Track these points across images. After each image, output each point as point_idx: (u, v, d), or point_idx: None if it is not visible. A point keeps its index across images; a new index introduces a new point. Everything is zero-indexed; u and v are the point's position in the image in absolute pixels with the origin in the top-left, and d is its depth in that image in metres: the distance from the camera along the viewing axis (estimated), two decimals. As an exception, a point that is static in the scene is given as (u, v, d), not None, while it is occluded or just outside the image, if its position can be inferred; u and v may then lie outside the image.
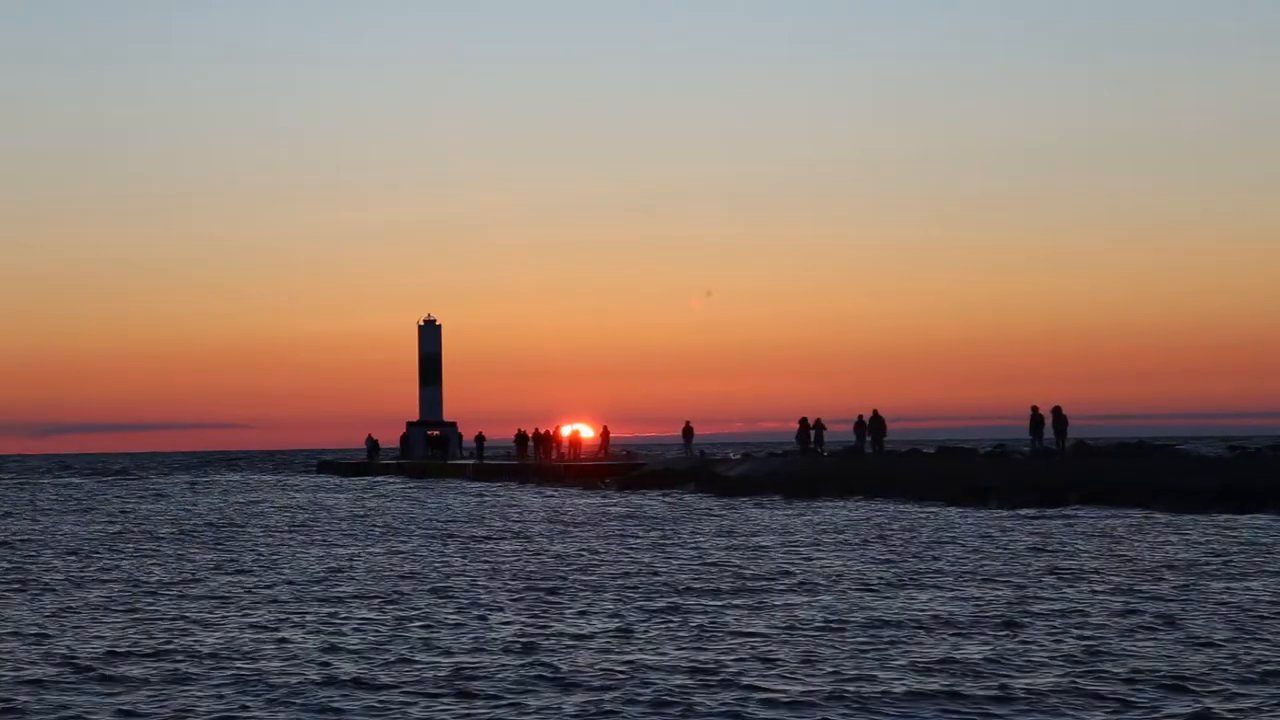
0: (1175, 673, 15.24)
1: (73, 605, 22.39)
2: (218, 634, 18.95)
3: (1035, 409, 51.75)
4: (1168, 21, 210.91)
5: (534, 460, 77.82)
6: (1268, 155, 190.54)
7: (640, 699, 14.30)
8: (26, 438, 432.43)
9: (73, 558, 31.58)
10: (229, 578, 26.41)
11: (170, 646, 17.88)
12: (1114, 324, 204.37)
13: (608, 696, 14.42)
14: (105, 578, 26.82)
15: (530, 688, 14.93)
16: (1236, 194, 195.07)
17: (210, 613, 21.23)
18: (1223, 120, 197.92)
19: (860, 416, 57.56)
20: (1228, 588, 22.45)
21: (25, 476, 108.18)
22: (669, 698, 14.32)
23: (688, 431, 71.92)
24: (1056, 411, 51.47)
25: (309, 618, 20.43)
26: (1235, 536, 31.53)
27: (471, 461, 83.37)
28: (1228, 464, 46.79)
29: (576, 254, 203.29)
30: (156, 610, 21.57)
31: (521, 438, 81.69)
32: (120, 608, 21.97)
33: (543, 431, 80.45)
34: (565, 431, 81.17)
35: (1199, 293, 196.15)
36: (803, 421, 60.22)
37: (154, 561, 30.26)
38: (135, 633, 19.16)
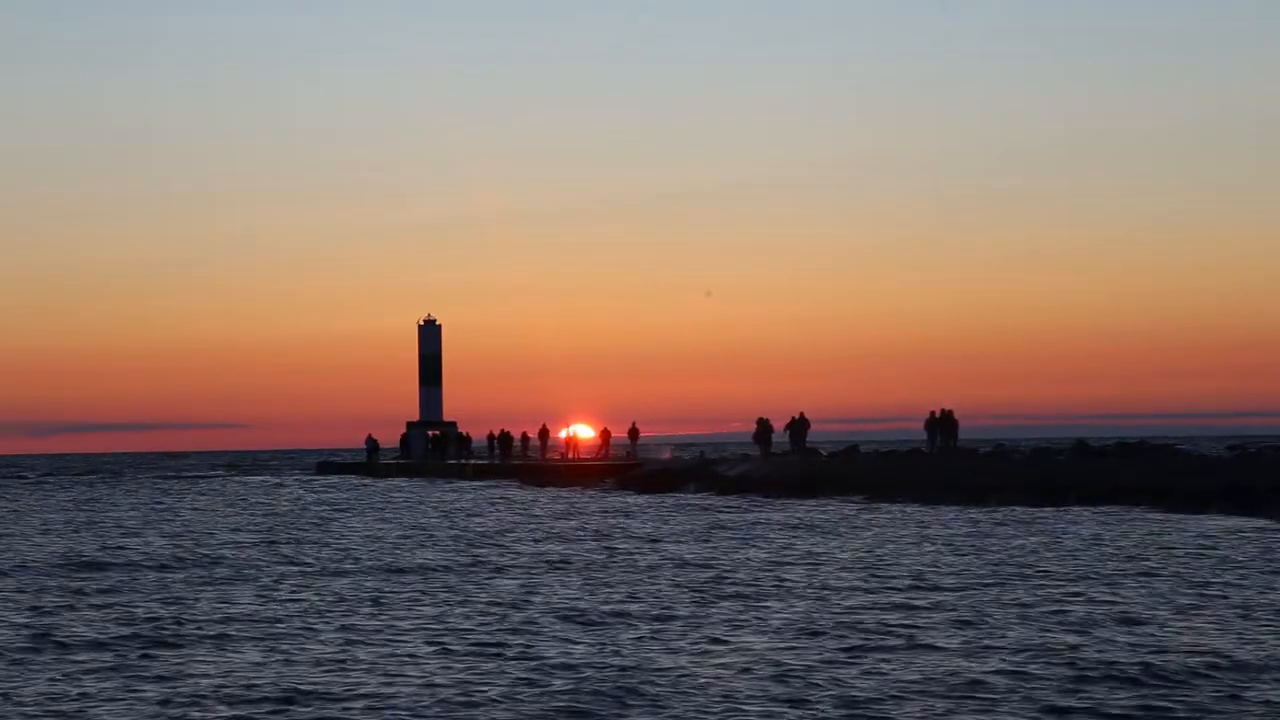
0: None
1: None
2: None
3: (933, 413, 56.19)
4: (1168, 21, 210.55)
5: (498, 462, 78.56)
6: (1268, 155, 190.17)
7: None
8: (26, 438, 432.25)
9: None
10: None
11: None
12: (1113, 324, 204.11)
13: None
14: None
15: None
16: (1237, 194, 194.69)
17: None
18: (1224, 120, 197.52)
19: (793, 418, 60.66)
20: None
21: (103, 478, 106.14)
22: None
23: (633, 432, 74.25)
24: (947, 415, 55.72)
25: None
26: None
27: (471, 462, 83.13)
28: (1228, 464, 46.67)
29: (576, 254, 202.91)
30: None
31: (491, 438, 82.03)
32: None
33: (503, 432, 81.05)
34: (563, 433, 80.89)
35: (1199, 293, 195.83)
36: (760, 421, 61.25)
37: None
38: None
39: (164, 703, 14.39)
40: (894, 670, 15.40)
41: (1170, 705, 13.62)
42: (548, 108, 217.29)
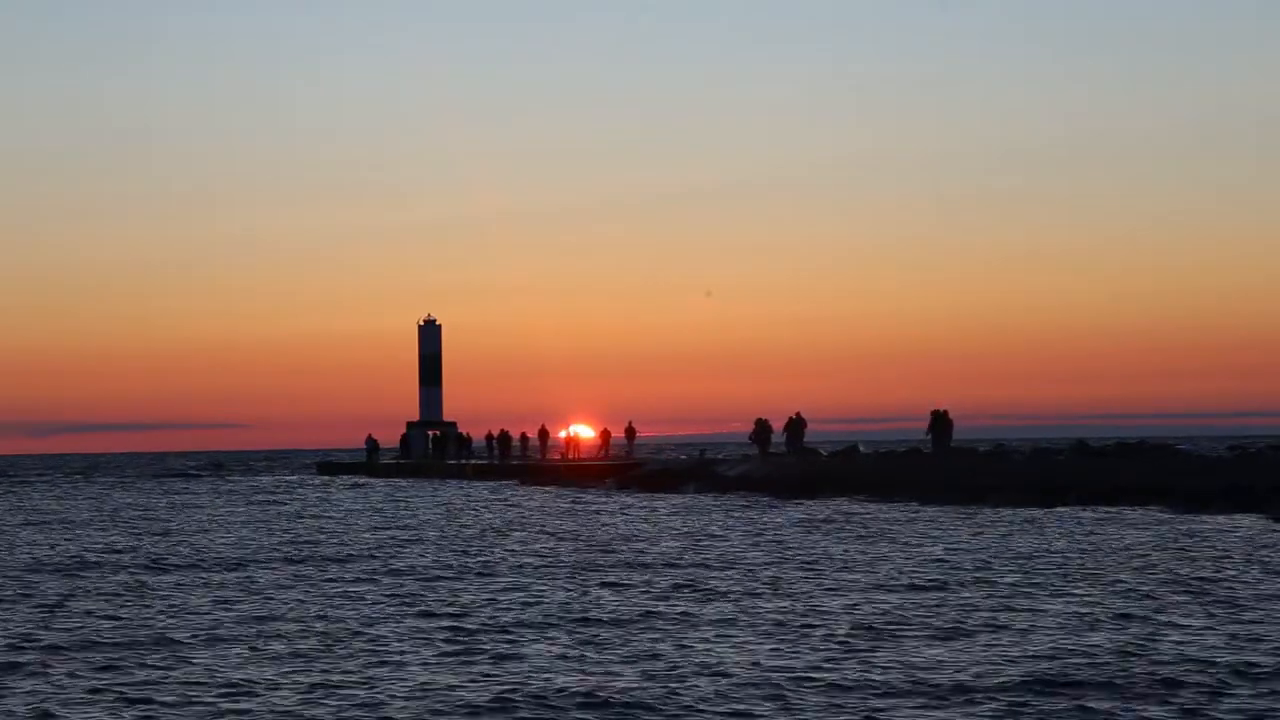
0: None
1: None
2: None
3: (934, 412, 55.65)
4: (1168, 21, 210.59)
5: (498, 462, 78.71)
6: (1268, 155, 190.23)
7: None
8: (26, 438, 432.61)
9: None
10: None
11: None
12: (1113, 324, 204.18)
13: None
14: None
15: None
16: (1237, 194, 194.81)
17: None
18: (1224, 120, 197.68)
19: (790, 417, 60.47)
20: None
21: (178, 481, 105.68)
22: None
23: (630, 432, 74.86)
24: (943, 415, 55.40)
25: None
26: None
27: (471, 462, 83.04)
28: (1228, 464, 46.59)
29: (576, 254, 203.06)
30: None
31: (491, 438, 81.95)
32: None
33: (503, 432, 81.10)
34: (563, 434, 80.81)
35: (1199, 293, 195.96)
36: (758, 422, 61.55)
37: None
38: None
39: (155, 703, 14.32)
40: (888, 670, 15.31)
41: (1166, 705, 13.55)
42: (548, 108, 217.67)
